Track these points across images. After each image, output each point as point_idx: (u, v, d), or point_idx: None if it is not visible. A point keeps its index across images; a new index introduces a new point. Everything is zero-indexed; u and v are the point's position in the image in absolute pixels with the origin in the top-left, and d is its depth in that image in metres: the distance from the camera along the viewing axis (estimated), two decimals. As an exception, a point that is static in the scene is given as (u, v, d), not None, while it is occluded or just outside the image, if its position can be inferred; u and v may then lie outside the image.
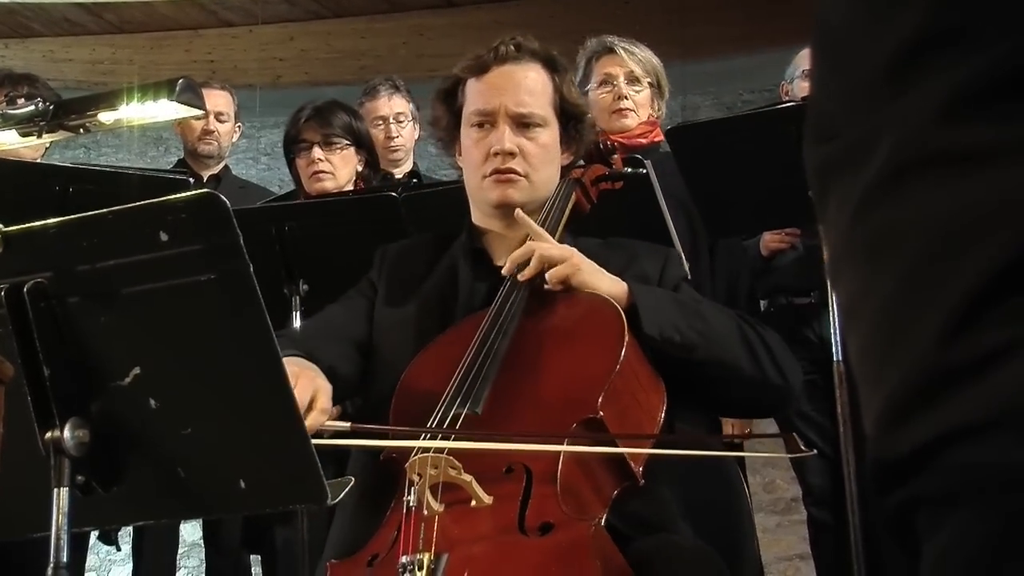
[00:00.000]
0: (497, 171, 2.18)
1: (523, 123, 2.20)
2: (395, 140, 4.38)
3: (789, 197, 2.89)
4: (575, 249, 2.09)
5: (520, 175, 2.18)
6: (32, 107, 2.05)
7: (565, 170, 2.29)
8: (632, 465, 1.87)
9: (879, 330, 0.64)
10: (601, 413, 1.85)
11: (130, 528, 4.19)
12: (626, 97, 3.51)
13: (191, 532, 5.73)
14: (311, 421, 1.83)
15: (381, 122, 4.36)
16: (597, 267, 2.08)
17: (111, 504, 1.54)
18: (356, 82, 6.28)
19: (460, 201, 2.34)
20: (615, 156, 2.39)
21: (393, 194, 3.07)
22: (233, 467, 1.47)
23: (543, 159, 2.21)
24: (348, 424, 1.92)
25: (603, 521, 1.78)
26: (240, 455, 1.47)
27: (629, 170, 2.45)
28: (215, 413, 1.46)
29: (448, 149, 2.34)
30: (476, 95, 2.23)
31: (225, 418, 1.46)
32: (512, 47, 2.24)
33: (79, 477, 1.48)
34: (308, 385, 1.88)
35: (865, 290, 0.65)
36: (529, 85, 2.22)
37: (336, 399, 1.98)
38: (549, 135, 2.23)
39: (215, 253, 1.37)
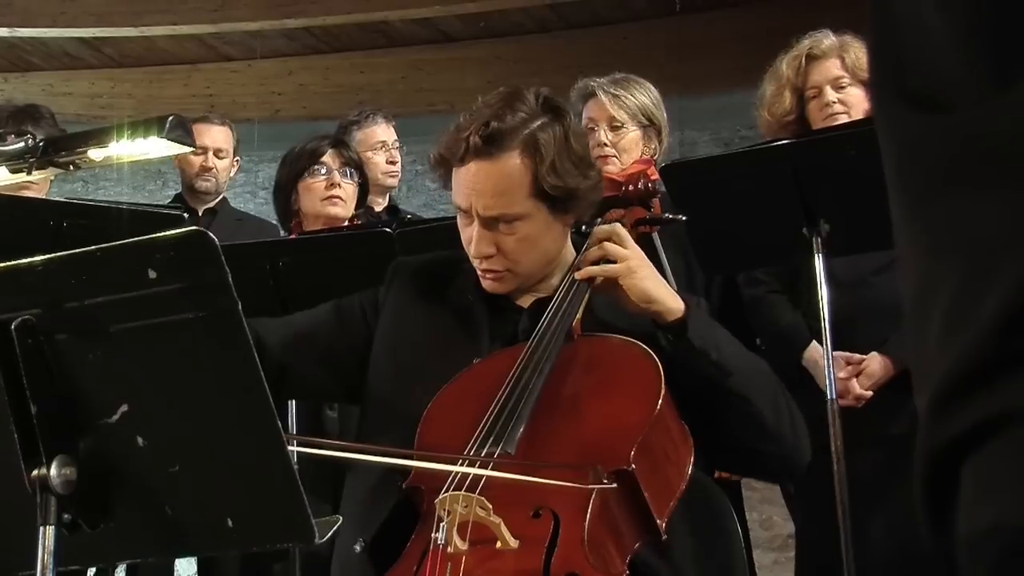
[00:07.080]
0: (479, 267, 2.15)
1: (497, 222, 2.09)
2: (396, 164, 4.42)
3: (785, 234, 2.89)
4: (643, 254, 2.07)
5: (501, 271, 2.13)
6: (22, 143, 2.05)
7: (578, 224, 2.22)
8: (657, 520, 1.86)
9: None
10: (633, 466, 1.82)
11: (123, 564, 4.16)
12: (606, 144, 3.49)
13: (186, 567, 5.70)
14: None
15: (381, 146, 4.36)
16: (658, 277, 2.05)
17: (98, 542, 1.53)
18: (354, 117, 6.30)
19: (454, 237, 2.33)
20: (655, 200, 2.36)
21: (388, 230, 3.08)
22: (220, 505, 1.46)
23: (524, 251, 2.12)
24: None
25: None
26: (227, 493, 1.46)
27: (669, 215, 2.44)
28: (202, 451, 1.46)
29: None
30: (453, 185, 2.13)
31: (212, 456, 1.46)
32: (480, 139, 2.05)
33: (66, 515, 1.47)
34: None
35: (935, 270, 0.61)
36: (499, 185, 2.06)
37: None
38: (530, 225, 2.10)
39: (203, 291, 1.36)
